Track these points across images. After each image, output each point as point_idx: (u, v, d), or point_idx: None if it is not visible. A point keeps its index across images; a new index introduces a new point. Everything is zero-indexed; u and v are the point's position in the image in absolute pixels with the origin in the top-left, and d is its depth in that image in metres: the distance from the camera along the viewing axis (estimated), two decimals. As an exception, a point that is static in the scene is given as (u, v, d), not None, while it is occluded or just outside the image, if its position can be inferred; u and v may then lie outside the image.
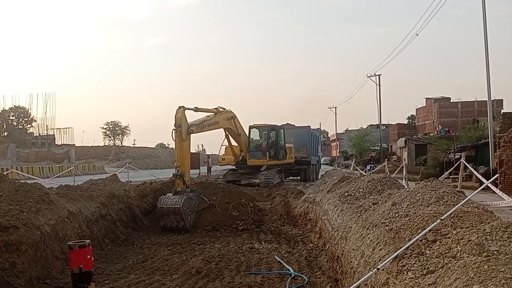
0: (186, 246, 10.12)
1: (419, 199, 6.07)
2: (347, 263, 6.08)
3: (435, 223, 4.47)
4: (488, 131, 23.17)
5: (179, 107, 12.90)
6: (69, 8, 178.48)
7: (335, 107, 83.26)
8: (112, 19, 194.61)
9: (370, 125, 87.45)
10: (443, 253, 3.87)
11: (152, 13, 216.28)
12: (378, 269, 4.24)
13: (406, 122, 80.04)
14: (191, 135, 13.37)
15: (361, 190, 9.54)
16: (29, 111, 75.82)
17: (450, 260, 3.66)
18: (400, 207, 6.06)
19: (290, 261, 8.24)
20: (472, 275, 3.15)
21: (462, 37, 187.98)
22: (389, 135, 73.26)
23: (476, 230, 4.06)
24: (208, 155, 49.21)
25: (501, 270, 3.09)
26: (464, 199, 5.56)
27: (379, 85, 53.35)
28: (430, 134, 52.94)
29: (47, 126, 73.32)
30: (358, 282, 4.42)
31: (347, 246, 6.37)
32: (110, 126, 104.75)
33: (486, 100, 22.95)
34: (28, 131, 78.03)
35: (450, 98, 68.05)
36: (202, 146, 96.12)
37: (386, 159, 37.94)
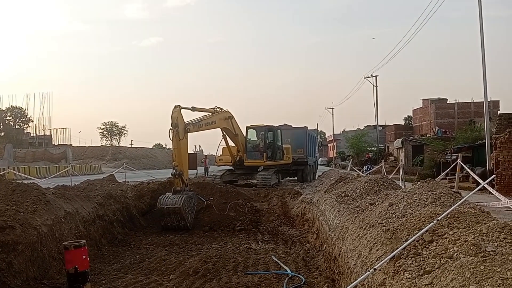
0: (183, 246, 10.11)
1: (416, 199, 6.09)
2: (344, 264, 6.09)
3: (432, 223, 4.49)
4: (484, 132, 23.23)
5: (175, 106, 12.85)
6: (66, 8, 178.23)
7: (332, 108, 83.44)
8: (109, 20, 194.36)
9: (367, 126, 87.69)
10: (439, 253, 3.89)
11: (149, 13, 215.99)
12: (375, 269, 4.25)
13: (403, 123, 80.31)
14: (188, 134, 13.37)
15: (358, 190, 9.56)
16: (26, 111, 75.59)
17: (446, 261, 3.67)
18: (397, 207, 6.08)
19: (287, 261, 8.24)
20: (468, 276, 3.16)
21: (458, 38, 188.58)
22: (386, 136, 73.48)
23: (472, 231, 4.07)
24: (205, 155, 49.19)
25: (498, 271, 3.11)
26: (460, 199, 5.58)
27: (376, 86, 53.43)
28: (427, 135, 53.12)
29: (44, 126, 73.20)
30: (355, 283, 4.44)
31: (344, 246, 6.38)
32: (107, 126, 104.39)
33: (483, 101, 23.00)
34: (25, 131, 77.76)
35: (447, 99, 68.32)
36: (200, 146, 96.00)
37: (383, 160, 37.96)
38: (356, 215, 7.16)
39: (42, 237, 7.38)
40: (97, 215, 10.40)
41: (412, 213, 5.36)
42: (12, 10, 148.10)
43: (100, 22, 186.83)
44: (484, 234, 3.91)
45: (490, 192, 12.76)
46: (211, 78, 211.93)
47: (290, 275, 7.20)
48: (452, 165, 20.41)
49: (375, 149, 56.97)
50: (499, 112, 38.19)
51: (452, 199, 5.82)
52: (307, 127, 29.86)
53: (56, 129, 76.27)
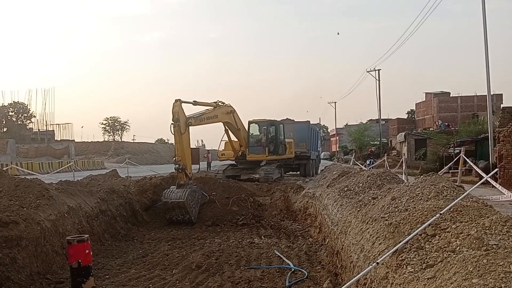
0: (186, 241, 10.14)
1: (419, 193, 6.07)
2: (346, 258, 6.10)
3: (435, 217, 4.48)
4: (487, 125, 23.17)
5: (176, 101, 12.81)
6: (68, 4, 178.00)
7: (335, 102, 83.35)
8: (111, 15, 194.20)
9: (369, 120, 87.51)
10: (442, 247, 3.88)
11: (151, 8, 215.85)
12: (377, 263, 4.25)
13: (405, 117, 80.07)
14: (190, 128, 13.36)
15: (361, 185, 9.55)
16: (28, 107, 75.76)
17: (449, 254, 3.67)
18: (399, 201, 6.07)
19: (290, 255, 8.25)
20: (471, 269, 3.16)
21: (461, 31, 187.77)
22: (389, 130, 73.30)
23: (475, 224, 4.07)
24: (208, 150, 49.27)
25: (500, 264, 3.10)
26: (463, 193, 5.57)
27: (379, 80, 53.44)
28: (430, 129, 52.97)
29: (46, 121, 73.40)
30: (357, 276, 4.44)
31: (347, 240, 6.38)
32: (110, 121, 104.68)
33: (486, 95, 22.95)
34: (28, 126, 77.95)
35: (450, 93, 68.09)
36: (202, 141, 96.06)
37: (385, 154, 38.00)
38: (358, 209, 7.15)
39: (46, 232, 7.41)
40: (100, 210, 10.43)
41: (415, 207, 5.35)
42: (14, 6, 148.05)
43: (102, 18, 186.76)
44: (487, 228, 3.91)
45: (493, 186, 12.73)
46: (213, 73, 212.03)
47: (292, 269, 7.21)
48: (455, 159, 20.35)
49: (378, 143, 56.91)
50: (502, 105, 38.09)
51: (454, 193, 5.80)
52: (309, 121, 29.81)
53: (58, 124, 76.50)
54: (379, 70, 53.75)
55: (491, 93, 22.79)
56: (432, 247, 3.99)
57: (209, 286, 6.44)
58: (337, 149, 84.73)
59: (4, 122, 75.77)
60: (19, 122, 76.80)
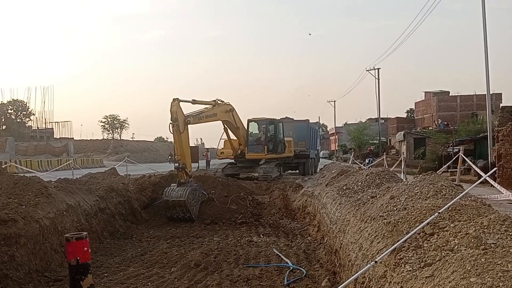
0: (185, 239, 10.15)
1: (417, 192, 6.08)
2: (345, 256, 6.10)
3: (433, 216, 4.49)
4: (487, 125, 23.18)
5: (174, 100, 12.79)
6: (68, 3, 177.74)
7: (334, 101, 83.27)
8: (111, 14, 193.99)
9: (369, 118, 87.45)
10: (440, 246, 3.89)
11: (150, 7, 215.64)
12: (376, 262, 4.25)
13: (405, 115, 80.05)
14: (189, 126, 13.37)
15: (360, 183, 9.55)
16: (27, 105, 75.59)
17: (447, 253, 3.67)
18: (398, 200, 6.08)
19: (289, 254, 8.26)
20: (469, 268, 3.16)
21: (461, 30, 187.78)
22: (388, 129, 73.30)
23: (473, 223, 4.07)
24: (207, 148, 49.18)
25: (498, 263, 3.11)
26: (462, 192, 5.57)
27: (378, 79, 53.34)
28: (429, 128, 53.02)
29: (45, 119, 73.16)
30: (356, 275, 4.44)
31: (345, 239, 6.39)
32: (109, 119, 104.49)
33: (485, 94, 22.96)
34: (27, 124, 77.78)
35: (449, 92, 68.10)
36: (201, 139, 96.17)
37: (384, 153, 37.92)
38: (357, 208, 7.16)
39: (44, 230, 7.41)
40: (99, 208, 10.43)
41: (413, 206, 5.35)
42: (13, 3, 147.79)
43: (102, 16, 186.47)
44: (485, 227, 3.91)
45: (491, 185, 12.72)
46: (213, 72, 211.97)
47: (291, 268, 7.22)
48: (454, 158, 20.37)
49: (377, 142, 56.91)
50: (501, 104, 38.09)
51: (453, 192, 5.81)
52: (309, 120, 29.76)
53: (57, 122, 76.30)
54: (378, 69, 53.69)
55: (491, 93, 22.80)
56: (430, 246, 4.00)
57: (207, 285, 6.45)
58: (336, 148, 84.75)
59: (3, 120, 75.63)
60: (18, 120, 76.64)
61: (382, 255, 4.28)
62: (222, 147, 22.17)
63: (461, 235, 3.92)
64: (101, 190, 11.36)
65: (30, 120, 77.42)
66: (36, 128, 74.63)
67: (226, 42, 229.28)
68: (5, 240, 6.33)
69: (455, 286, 3.00)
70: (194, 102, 14.49)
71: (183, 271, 7.18)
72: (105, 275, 7.11)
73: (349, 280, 4.31)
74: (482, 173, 12.97)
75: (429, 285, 3.30)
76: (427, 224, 4.38)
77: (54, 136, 74.35)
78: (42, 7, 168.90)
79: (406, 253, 4.03)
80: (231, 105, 17.66)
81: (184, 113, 13.16)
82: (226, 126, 18.37)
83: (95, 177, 14.94)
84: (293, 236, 10.16)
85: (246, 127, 20.91)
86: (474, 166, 17.19)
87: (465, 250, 3.58)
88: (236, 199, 13.55)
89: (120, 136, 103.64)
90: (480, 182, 10.85)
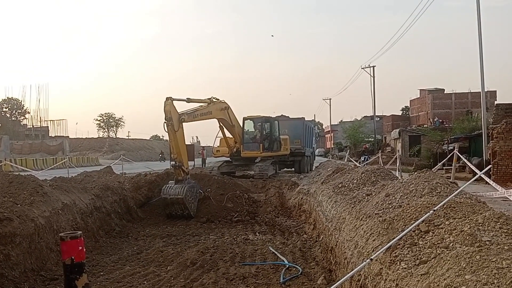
0: (181, 237, 10.14)
1: (413, 190, 6.10)
2: (341, 254, 6.12)
3: (428, 213, 4.50)
4: (481, 122, 23.26)
5: (167, 99, 12.72)
6: (66, 2, 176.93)
7: (330, 99, 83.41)
8: (106, 11, 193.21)
9: (364, 116, 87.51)
10: (435, 243, 3.90)
11: (146, 4, 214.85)
12: (371, 259, 4.26)
13: (400, 113, 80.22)
14: (184, 124, 13.35)
15: (355, 181, 9.57)
16: (22, 103, 75.31)
17: (442, 251, 3.68)
18: (393, 198, 6.10)
19: (285, 252, 8.28)
20: (464, 265, 3.18)
21: (456, 28, 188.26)
22: (383, 127, 73.43)
23: (468, 221, 4.09)
24: (203, 146, 49.30)
25: (493, 260, 3.12)
26: (457, 190, 5.60)
27: (374, 77, 53.37)
28: (424, 126, 53.16)
29: (40, 118, 72.85)
30: (351, 273, 4.45)
31: (341, 237, 6.40)
32: (104, 117, 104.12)
33: (480, 92, 23.02)
34: (22, 123, 77.49)
35: (444, 90, 68.32)
36: (197, 138, 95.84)
37: (380, 151, 38.05)
38: (353, 206, 7.17)
39: (40, 229, 7.38)
40: (95, 206, 10.40)
41: (409, 204, 5.37)
42: (7, 2, 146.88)
43: (96, 14, 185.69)
44: (480, 224, 3.93)
45: (486, 182, 12.78)
46: (208, 69, 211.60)
47: (287, 266, 7.23)
48: (449, 155, 20.44)
49: (372, 139, 57.01)
50: (496, 102, 38.22)
51: (448, 189, 5.83)
52: (304, 118, 29.80)
53: (52, 120, 75.99)
54: (373, 66, 53.71)
55: (485, 90, 22.88)
56: (425, 243, 4.01)
57: (203, 283, 6.45)
58: (332, 146, 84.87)
59: (-2, 119, 75.34)
60: (13, 119, 76.34)
61: (378, 252, 4.29)
62: (218, 145, 22.16)
63: (456, 232, 3.93)
64: (96, 188, 11.34)
65: (25, 118, 77.24)
66: (31, 126, 74.31)
67: (221, 39, 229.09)
68: (0, 239, 6.29)
69: (450, 283, 3.01)
70: (188, 100, 14.44)
71: (179, 269, 7.18)
72: (101, 274, 7.10)
73: (345, 277, 4.32)
74: (477, 171, 13.01)
75: (424, 283, 3.31)
76: (422, 221, 4.40)
77: (49, 135, 74.04)
78: (37, 4, 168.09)
79: (402, 251, 4.04)
80: (227, 103, 17.64)
81: (179, 112, 13.13)
82: (221, 124, 18.36)
83: (90, 176, 14.91)
84: (289, 234, 10.17)
85: (241, 125, 20.91)
86: (469, 164, 17.25)
87: (460, 247, 3.59)
88: (232, 197, 13.56)
89: (115, 134, 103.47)
90: (475, 180, 10.86)
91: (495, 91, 59.93)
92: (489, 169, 15.36)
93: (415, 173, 7.36)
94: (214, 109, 16.38)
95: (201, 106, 15.41)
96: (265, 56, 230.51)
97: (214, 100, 16.49)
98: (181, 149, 12.85)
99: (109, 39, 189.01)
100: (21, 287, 6.26)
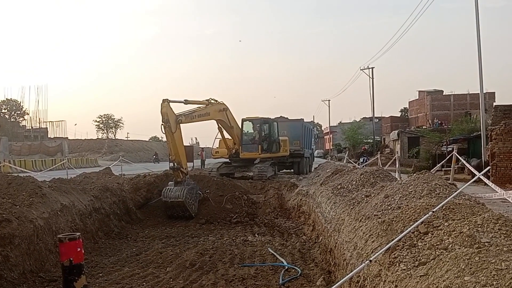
0: (180, 239, 10.14)
1: (412, 191, 6.10)
2: (340, 255, 6.12)
3: (427, 215, 4.50)
4: (480, 123, 23.27)
5: (163, 101, 12.67)
6: (61, 1, 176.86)
7: (329, 100, 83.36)
8: (105, 12, 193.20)
9: (363, 118, 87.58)
10: (434, 245, 3.90)
11: (145, 5, 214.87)
12: (370, 261, 4.26)
13: (399, 115, 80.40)
14: (183, 126, 13.35)
15: (354, 182, 9.57)
16: (21, 104, 75.28)
17: (441, 252, 3.69)
18: (392, 199, 6.10)
19: (284, 253, 8.27)
20: (463, 267, 3.18)
21: (455, 29, 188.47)
22: (382, 128, 73.53)
23: (467, 222, 4.09)
24: (202, 148, 49.12)
25: (492, 262, 3.12)
26: (456, 191, 5.60)
27: (372, 78, 53.36)
28: (423, 127, 53.20)
29: (39, 119, 72.96)
30: (350, 274, 4.45)
31: (340, 238, 6.40)
32: (103, 119, 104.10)
33: (479, 93, 23.04)
34: (21, 124, 77.49)
35: (443, 91, 68.42)
36: (196, 139, 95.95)
37: (379, 152, 38.04)
38: (352, 207, 7.18)
39: (39, 230, 7.37)
40: (94, 208, 10.39)
41: (408, 205, 5.37)
42: (6, 4, 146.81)
43: (96, 14, 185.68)
44: (479, 226, 3.93)
45: (485, 184, 12.78)
46: (208, 70, 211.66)
47: (286, 267, 7.23)
48: (448, 157, 20.45)
49: (371, 141, 57.03)
50: (494, 103, 38.24)
51: (447, 191, 5.83)
52: (303, 119, 29.78)
53: (51, 122, 76.12)
54: (372, 68, 53.72)
55: (484, 91, 22.89)
56: (424, 244, 4.01)
57: (202, 284, 6.44)
58: (331, 147, 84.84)
59: (-4, 120, 75.26)
60: (12, 120, 76.28)
61: (377, 254, 4.29)
62: (217, 146, 22.14)
63: (455, 234, 3.94)
64: (95, 190, 11.33)
65: (24, 119, 77.24)
66: (30, 127, 74.36)
67: (222, 40, 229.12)
68: (-1, 240, 6.30)
69: (449, 285, 3.01)
70: (186, 102, 14.36)
71: (178, 270, 7.17)
72: (100, 275, 7.08)
73: (344, 279, 4.32)
74: (476, 172, 13.03)
75: (423, 284, 3.31)
76: (421, 223, 4.40)
77: (48, 136, 74.08)
78: (35, 5, 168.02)
79: (401, 252, 4.05)
80: (225, 105, 17.61)
81: (176, 113, 13.10)
82: (220, 126, 18.34)
83: (89, 177, 14.92)
84: (288, 235, 10.17)
85: (240, 126, 20.90)
86: (467, 165, 17.28)
87: (459, 248, 3.59)
88: (231, 199, 13.55)
89: (114, 135, 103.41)
90: (474, 181, 10.89)
91: (494, 93, 60.08)
92: (488, 170, 15.36)
93: (414, 174, 7.36)
94: (212, 110, 16.35)
95: (199, 107, 15.39)
96: (265, 56, 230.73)
97: (212, 101, 16.45)
98: (179, 151, 12.85)
99: (108, 39, 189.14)
100: (20, 289, 6.26)
